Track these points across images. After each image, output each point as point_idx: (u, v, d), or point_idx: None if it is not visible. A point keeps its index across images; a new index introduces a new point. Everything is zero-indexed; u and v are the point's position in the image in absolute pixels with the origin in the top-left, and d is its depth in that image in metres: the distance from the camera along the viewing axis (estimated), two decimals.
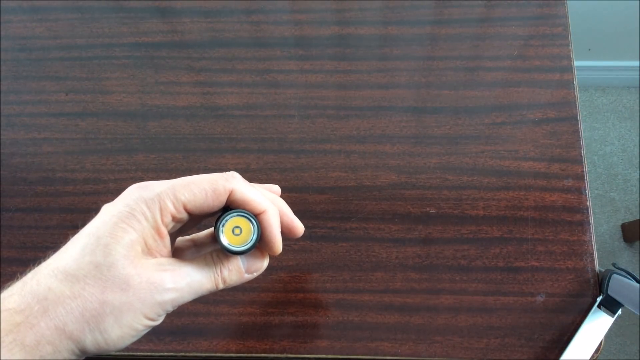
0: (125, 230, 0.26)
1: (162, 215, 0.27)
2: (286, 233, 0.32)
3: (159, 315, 0.28)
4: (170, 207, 0.28)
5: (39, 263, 0.27)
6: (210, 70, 0.57)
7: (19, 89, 0.56)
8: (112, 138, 0.54)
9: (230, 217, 0.29)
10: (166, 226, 0.28)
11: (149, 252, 0.27)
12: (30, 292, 0.25)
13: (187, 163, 0.52)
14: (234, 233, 0.29)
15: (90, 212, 0.50)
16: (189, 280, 0.28)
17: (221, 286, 0.30)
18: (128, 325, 0.26)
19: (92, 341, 0.25)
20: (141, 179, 0.52)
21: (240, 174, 0.54)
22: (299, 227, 0.33)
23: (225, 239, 0.29)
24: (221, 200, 0.29)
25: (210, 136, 0.53)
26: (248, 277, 0.31)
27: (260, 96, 0.55)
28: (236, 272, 0.30)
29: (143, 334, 0.28)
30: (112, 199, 0.29)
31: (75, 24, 0.59)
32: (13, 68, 0.57)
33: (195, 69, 0.57)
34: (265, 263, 0.32)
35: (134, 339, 0.27)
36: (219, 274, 0.29)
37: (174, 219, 0.28)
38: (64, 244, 0.28)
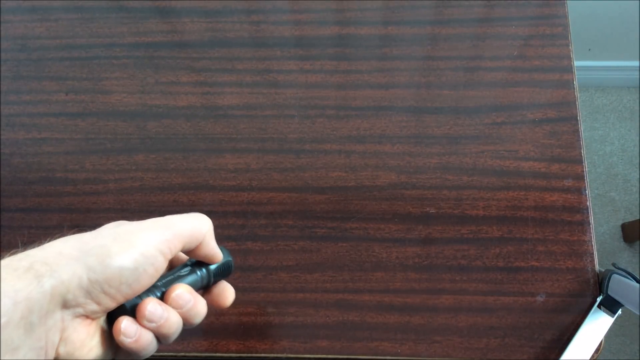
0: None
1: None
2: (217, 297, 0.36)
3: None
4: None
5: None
6: (210, 70, 0.57)
7: (19, 89, 0.56)
8: (112, 138, 0.54)
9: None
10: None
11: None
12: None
13: (187, 163, 0.52)
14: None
15: (90, 212, 0.50)
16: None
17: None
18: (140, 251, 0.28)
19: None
20: (141, 179, 0.52)
21: (240, 174, 0.54)
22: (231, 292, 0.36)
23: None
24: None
25: (210, 136, 0.53)
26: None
27: (260, 96, 0.55)
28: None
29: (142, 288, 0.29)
30: (112, 199, 0.29)
31: (75, 24, 0.59)
32: (13, 68, 0.57)
33: (195, 69, 0.57)
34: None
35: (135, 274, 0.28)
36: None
37: None
38: None
